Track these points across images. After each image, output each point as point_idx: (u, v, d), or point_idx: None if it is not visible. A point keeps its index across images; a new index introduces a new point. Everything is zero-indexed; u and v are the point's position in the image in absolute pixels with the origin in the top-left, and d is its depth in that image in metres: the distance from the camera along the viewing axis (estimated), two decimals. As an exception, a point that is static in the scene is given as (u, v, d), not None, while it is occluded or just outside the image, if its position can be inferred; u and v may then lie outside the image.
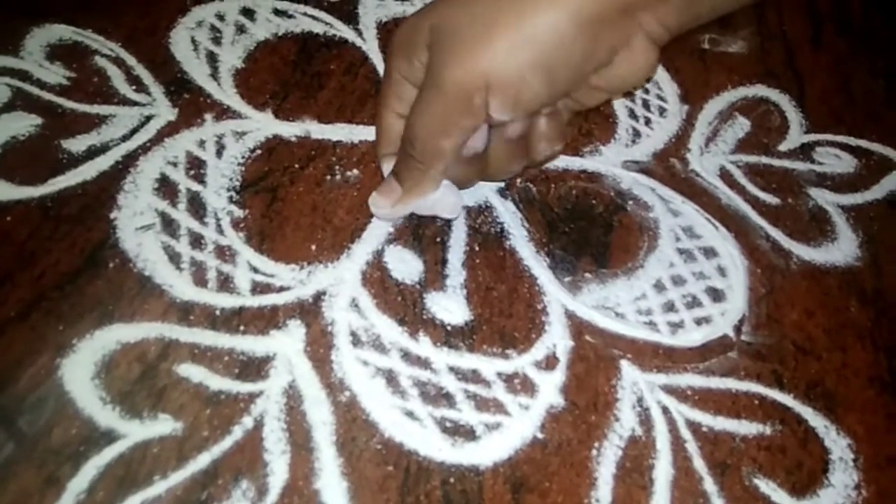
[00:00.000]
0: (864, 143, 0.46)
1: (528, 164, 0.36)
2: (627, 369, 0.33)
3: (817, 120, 0.47)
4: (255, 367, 0.31)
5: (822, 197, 0.42)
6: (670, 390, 0.33)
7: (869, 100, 0.49)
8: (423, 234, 0.37)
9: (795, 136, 0.46)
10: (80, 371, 0.29)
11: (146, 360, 0.30)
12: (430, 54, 0.31)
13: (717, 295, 0.37)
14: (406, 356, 0.32)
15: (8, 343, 0.30)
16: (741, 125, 0.45)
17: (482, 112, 0.30)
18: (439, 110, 0.31)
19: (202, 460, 0.28)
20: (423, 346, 0.33)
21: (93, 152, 0.36)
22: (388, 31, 0.46)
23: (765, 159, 0.44)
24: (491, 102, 0.30)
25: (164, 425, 0.29)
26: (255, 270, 0.34)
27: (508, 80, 0.29)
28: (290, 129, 0.39)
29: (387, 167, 0.35)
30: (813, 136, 0.46)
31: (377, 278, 0.35)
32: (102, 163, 0.36)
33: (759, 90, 0.48)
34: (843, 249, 0.40)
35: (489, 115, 0.30)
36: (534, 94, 0.30)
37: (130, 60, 0.40)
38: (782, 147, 0.45)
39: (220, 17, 0.44)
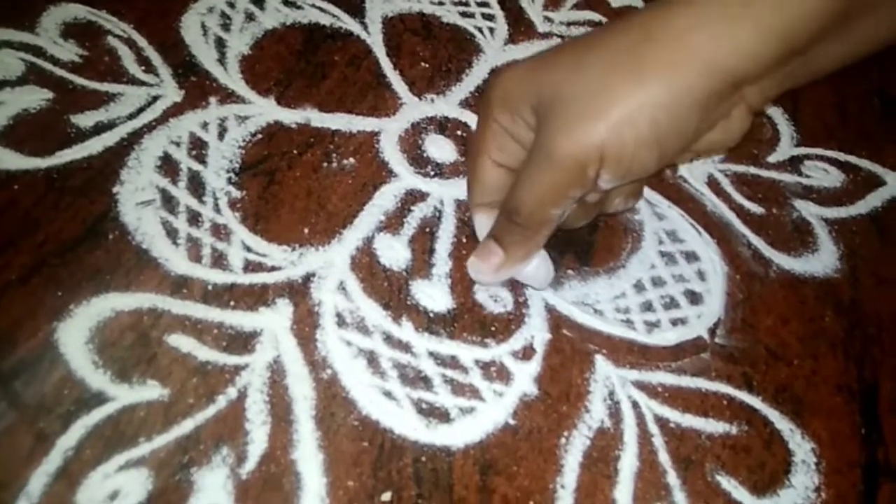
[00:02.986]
0: (853, 159, 0.47)
1: (599, 214, 0.37)
2: (601, 364, 0.35)
3: (809, 134, 0.48)
4: (242, 341, 0.32)
5: (807, 209, 0.43)
6: (641, 386, 0.34)
7: (862, 116, 0.50)
8: (412, 223, 0.38)
9: (785, 149, 0.47)
10: (75, 335, 0.31)
11: (139, 328, 0.31)
12: (540, 121, 0.31)
13: (694, 298, 0.38)
14: (388, 339, 0.33)
15: (7, 305, 0.31)
16: (732, 135, 0.46)
17: (593, 182, 0.30)
18: (550, 180, 0.30)
19: (186, 426, 0.29)
20: (405, 330, 0.34)
21: (100, 128, 0.38)
22: (392, 25, 0.47)
23: (753, 169, 0.45)
24: (602, 174, 0.30)
25: (151, 391, 0.30)
26: (249, 249, 0.35)
27: (623, 154, 0.29)
28: (291, 116, 0.41)
29: (479, 219, 0.35)
30: (803, 150, 0.47)
31: (365, 263, 0.36)
32: (108, 139, 0.37)
33: (754, 102, 0.49)
34: (823, 261, 0.41)
35: (597, 185, 0.31)
36: (644, 166, 0.30)
37: (141, 42, 0.42)
38: (771, 158, 0.46)
39: (231, 5, 0.45)
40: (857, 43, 0.31)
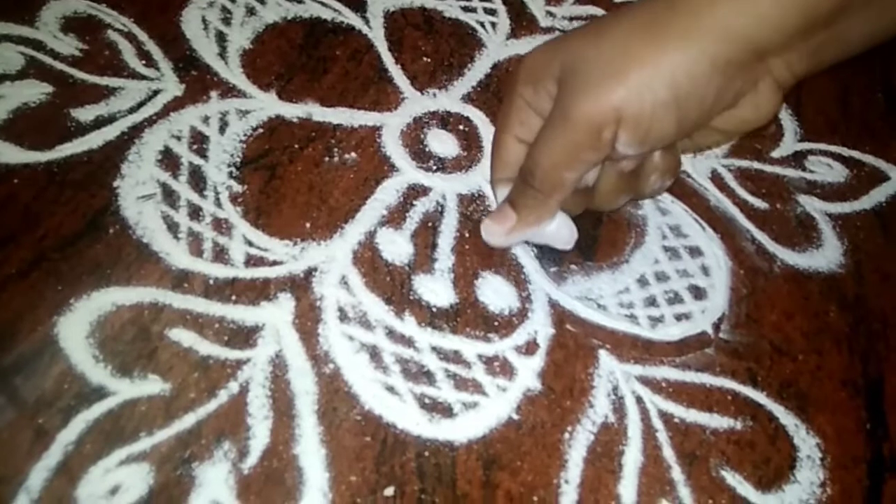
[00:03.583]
0: (856, 154, 0.47)
1: (635, 196, 0.36)
2: (605, 359, 0.34)
3: (813, 129, 0.48)
4: (243, 336, 0.32)
5: (811, 204, 0.43)
6: (646, 381, 0.34)
7: (866, 112, 0.50)
8: (414, 218, 0.38)
9: (789, 144, 0.46)
10: (75, 329, 0.30)
11: (139, 322, 0.31)
12: (560, 87, 0.31)
13: (698, 293, 0.38)
14: (391, 334, 0.33)
15: (8, 300, 0.31)
16: (736, 130, 0.46)
17: (609, 146, 0.30)
18: (566, 142, 0.30)
19: (187, 420, 0.29)
20: (407, 325, 0.34)
21: (100, 122, 0.37)
22: (394, 20, 0.47)
23: (757, 164, 0.45)
24: (620, 137, 0.30)
25: (152, 385, 0.30)
26: (250, 244, 0.35)
27: (640, 116, 0.29)
28: (293, 111, 0.41)
29: (500, 192, 0.36)
30: (807, 145, 0.46)
31: (368, 258, 0.36)
32: (109, 133, 0.37)
33: (757, 97, 0.48)
34: (827, 256, 0.41)
35: (615, 150, 0.31)
36: (663, 132, 0.30)
37: (142, 36, 0.42)
38: (775, 154, 0.45)
39: (232, -1, 0.45)
40: (886, 17, 0.30)
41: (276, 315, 0.33)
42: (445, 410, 0.31)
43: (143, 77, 0.40)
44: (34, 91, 0.38)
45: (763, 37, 0.29)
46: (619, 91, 0.29)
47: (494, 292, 0.36)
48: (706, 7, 0.29)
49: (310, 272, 0.34)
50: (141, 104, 0.39)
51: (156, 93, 0.39)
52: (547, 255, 0.38)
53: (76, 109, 0.38)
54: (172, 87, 0.40)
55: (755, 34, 0.29)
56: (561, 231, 0.35)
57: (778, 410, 0.34)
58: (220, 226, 0.35)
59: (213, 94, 0.40)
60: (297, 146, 0.39)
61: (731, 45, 0.28)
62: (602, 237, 0.39)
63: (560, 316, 0.35)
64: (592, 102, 0.29)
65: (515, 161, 0.34)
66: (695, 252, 0.39)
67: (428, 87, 0.44)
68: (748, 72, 0.30)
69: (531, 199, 0.33)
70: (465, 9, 0.49)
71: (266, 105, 0.40)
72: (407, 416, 0.31)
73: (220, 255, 0.34)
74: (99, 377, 0.29)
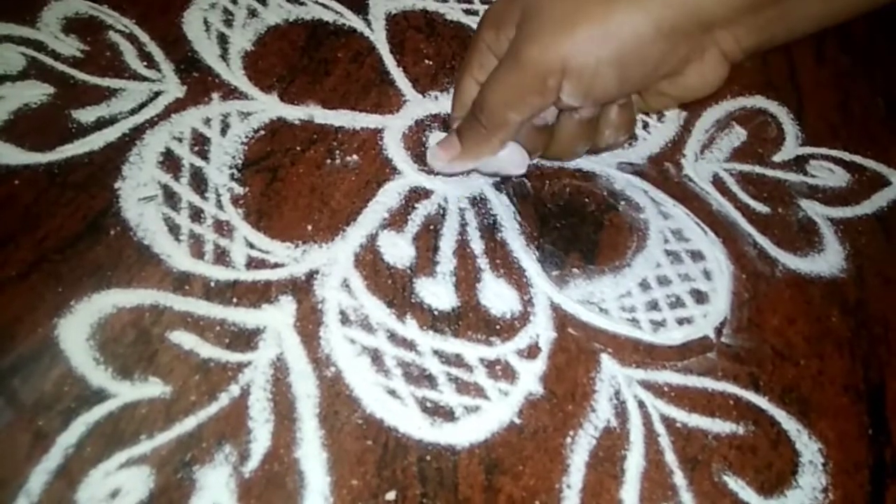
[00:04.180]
0: (858, 159, 0.47)
1: (592, 148, 0.37)
2: (607, 363, 0.34)
3: (814, 133, 0.48)
4: (245, 339, 0.32)
5: (813, 209, 0.43)
6: (648, 385, 0.34)
7: (867, 116, 0.50)
8: (416, 221, 0.38)
9: (791, 148, 0.46)
10: (75, 332, 0.30)
11: (140, 325, 0.31)
12: (517, 31, 0.32)
13: (700, 297, 0.37)
14: (392, 337, 0.33)
15: (7, 302, 0.31)
16: (738, 134, 0.46)
17: (553, 94, 0.32)
18: (513, 83, 0.32)
19: (188, 423, 0.29)
20: (409, 328, 0.34)
21: (101, 123, 0.37)
22: (396, 22, 0.47)
23: (758, 169, 0.45)
24: (564, 87, 0.31)
25: (153, 388, 0.29)
26: (252, 246, 0.35)
27: (583, 69, 0.31)
28: (295, 113, 0.40)
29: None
30: (808, 149, 0.46)
31: (369, 261, 0.35)
32: (110, 134, 0.37)
33: (759, 101, 0.48)
34: (829, 261, 0.41)
35: (559, 99, 0.32)
36: (604, 87, 0.32)
37: (143, 37, 0.42)
38: (777, 158, 0.45)
39: (234, 1, 0.45)
40: (833, 1, 0.32)
41: (278, 318, 0.33)
42: (447, 414, 0.31)
43: (145, 78, 0.40)
44: (35, 92, 0.38)
45: (709, 8, 0.30)
46: (566, 43, 0.30)
47: (496, 295, 0.36)
48: None
49: (311, 275, 0.34)
50: (142, 105, 0.38)
51: (157, 94, 0.39)
52: (549, 258, 0.37)
53: (77, 110, 0.37)
54: (174, 88, 0.40)
55: (701, 4, 0.30)
56: (512, 156, 0.36)
57: (780, 415, 0.34)
58: (222, 228, 0.35)
59: (215, 95, 0.40)
60: (298, 148, 0.39)
61: (677, 12, 0.30)
62: (604, 241, 0.39)
63: (562, 319, 0.35)
64: (541, 50, 0.31)
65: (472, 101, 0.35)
66: (697, 256, 0.39)
67: (430, 90, 0.44)
68: (693, 40, 0.31)
69: (476, 133, 0.35)
70: (467, 11, 0.49)
71: (267, 107, 0.40)
72: (408, 420, 0.31)
73: (222, 257, 0.34)
74: (99, 379, 0.29)
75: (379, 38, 0.46)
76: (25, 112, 0.37)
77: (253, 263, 0.34)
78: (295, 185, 0.37)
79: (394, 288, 0.35)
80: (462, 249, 0.37)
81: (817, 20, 0.32)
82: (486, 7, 0.36)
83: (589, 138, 0.36)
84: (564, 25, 0.31)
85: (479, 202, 0.39)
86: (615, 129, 0.36)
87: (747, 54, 0.32)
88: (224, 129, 0.39)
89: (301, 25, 0.45)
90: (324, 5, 0.47)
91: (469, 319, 0.34)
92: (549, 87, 0.31)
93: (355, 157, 0.39)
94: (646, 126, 0.45)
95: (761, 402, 0.34)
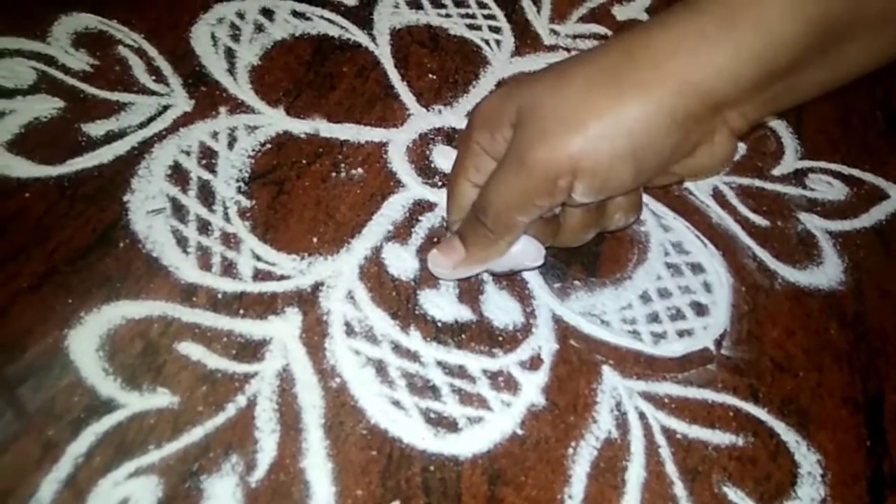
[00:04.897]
0: (856, 172, 0.47)
1: (600, 230, 0.36)
2: (608, 374, 0.35)
3: (813, 147, 0.48)
4: (251, 350, 0.32)
5: (812, 222, 0.44)
6: (648, 397, 0.34)
7: (866, 130, 0.50)
8: (420, 233, 0.38)
9: (790, 162, 0.47)
10: (85, 343, 0.31)
11: (149, 336, 0.32)
12: (516, 131, 0.31)
13: (700, 309, 0.38)
14: (396, 348, 0.34)
15: (19, 312, 0.31)
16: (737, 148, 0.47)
17: (564, 194, 0.30)
18: (520, 186, 0.30)
19: (195, 433, 0.29)
20: (413, 339, 0.34)
21: (111, 137, 0.38)
22: (400, 37, 0.48)
23: (758, 182, 0.45)
24: (576, 186, 0.30)
25: (161, 398, 0.30)
26: (258, 258, 0.35)
27: (598, 167, 0.29)
28: (300, 126, 0.41)
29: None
30: (807, 163, 0.47)
31: (374, 273, 0.36)
32: (119, 148, 0.38)
33: (758, 115, 0.49)
34: (827, 273, 0.41)
35: (571, 197, 0.31)
36: (620, 182, 0.30)
37: (152, 52, 0.42)
38: (776, 171, 0.46)
39: (241, 16, 0.46)
40: (840, 68, 0.31)
41: (284, 329, 0.33)
42: (450, 425, 0.32)
43: (153, 92, 0.40)
44: (46, 106, 0.38)
45: (720, 89, 0.29)
46: (576, 141, 0.29)
47: (499, 308, 0.36)
48: (665, 59, 0.29)
49: (317, 287, 0.35)
50: (151, 119, 0.39)
51: (165, 108, 0.40)
52: (551, 270, 0.38)
53: (87, 124, 0.38)
54: (182, 102, 0.40)
55: (712, 87, 0.28)
56: (527, 250, 0.34)
57: (779, 427, 0.34)
58: (229, 240, 0.35)
59: (222, 109, 0.41)
60: (304, 162, 0.40)
61: (690, 98, 0.28)
62: (605, 254, 0.40)
63: (564, 331, 0.36)
64: (549, 151, 0.29)
65: (470, 205, 0.34)
66: (697, 269, 0.40)
67: (433, 104, 0.45)
68: (705, 124, 0.30)
69: (482, 237, 0.33)
70: (471, 27, 0.50)
71: (274, 121, 0.41)
72: (412, 431, 0.31)
73: (229, 269, 0.34)
74: (108, 390, 0.30)
75: (383, 52, 0.47)
76: (36, 126, 0.37)
77: (259, 275, 0.35)
78: (301, 197, 0.38)
79: (398, 300, 0.35)
80: (465, 262, 0.37)
81: (822, 86, 0.32)
82: (473, 107, 0.34)
83: (596, 223, 0.35)
84: (571, 123, 0.29)
85: (481, 215, 0.40)
86: (624, 212, 0.35)
87: (753, 126, 0.32)
88: (231, 142, 0.39)
89: (307, 40, 0.46)
90: (329, 20, 0.47)
91: (472, 331, 0.35)
92: (560, 189, 0.30)
93: (360, 170, 0.40)
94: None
95: (761, 413, 0.35)
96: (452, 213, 0.35)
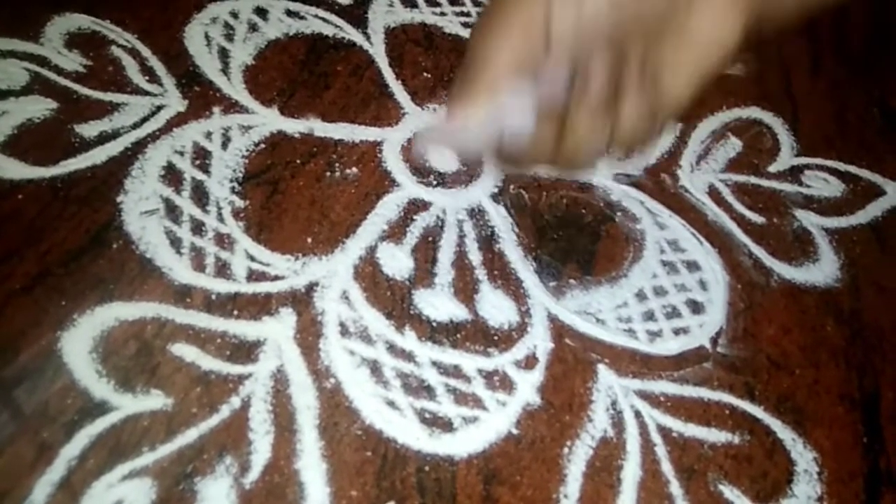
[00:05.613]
0: (853, 169, 0.47)
1: (614, 145, 0.32)
2: (604, 373, 0.35)
3: (809, 144, 0.48)
4: (245, 351, 0.32)
5: (808, 219, 0.44)
6: (644, 395, 0.34)
7: (862, 127, 0.50)
8: (415, 233, 0.38)
9: (786, 159, 0.47)
10: (79, 345, 0.31)
11: (142, 337, 0.31)
12: None
13: (696, 307, 0.38)
14: (391, 348, 0.33)
15: (11, 315, 0.31)
16: (733, 145, 0.46)
17: (541, 29, 0.29)
18: (497, 22, 0.29)
19: (189, 435, 0.29)
20: (408, 339, 0.34)
21: (104, 138, 0.38)
22: (395, 36, 0.48)
23: (753, 179, 0.45)
24: (552, 16, 0.28)
25: (155, 400, 0.30)
26: (252, 259, 0.35)
27: None
28: (295, 126, 0.41)
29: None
30: (803, 160, 0.47)
31: (369, 273, 0.36)
32: (112, 148, 0.37)
33: (754, 112, 0.49)
34: (823, 270, 0.41)
35: (549, 39, 0.29)
36: (596, 9, 0.28)
37: (145, 52, 0.42)
38: (772, 168, 0.46)
39: (234, 15, 0.45)
40: None
41: (278, 330, 0.33)
42: (445, 425, 0.32)
43: (147, 93, 0.40)
44: (38, 107, 0.38)
45: None
46: None
47: (494, 307, 0.36)
48: None
49: (311, 287, 0.35)
50: (144, 120, 0.39)
51: (159, 108, 0.40)
52: (546, 269, 0.38)
53: (80, 125, 0.38)
54: (175, 102, 0.40)
55: None
56: (514, 108, 0.30)
57: (775, 424, 0.34)
58: (223, 241, 0.35)
59: (216, 109, 0.40)
60: (298, 161, 0.39)
61: None
62: (600, 252, 0.40)
63: (559, 330, 0.36)
64: None
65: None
66: (693, 266, 0.40)
67: (428, 103, 0.44)
68: None
69: (471, 84, 0.30)
70: (466, 25, 0.50)
71: (268, 120, 0.41)
72: (407, 431, 0.31)
73: (223, 269, 0.34)
74: (102, 392, 0.30)
75: (378, 51, 0.46)
76: (29, 127, 0.37)
77: (253, 276, 0.34)
78: (295, 197, 0.38)
79: (393, 300, 0.35)
80: (460, 261, 0.37)
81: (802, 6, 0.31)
82: None
83: (605, 130, 0.31)
84: None
85: (476, 214, 0.40)
86: (634, 118, 0.31)
87: (756, 13, 0.30)
88: (225, 142, 0.39)
89: (301, 39, 0.46)
90: (323, 19, 0.47)
91: (467, 331, 0.35)
92: (536, 21, 0.28)
93: (355, 169, 0.40)
94: (642, 137, 0.46)
95: (757, 411, 0.35)
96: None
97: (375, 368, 0.33)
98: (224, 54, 0.43)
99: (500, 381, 0.33)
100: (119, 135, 0.38)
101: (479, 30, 0.30)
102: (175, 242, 0.35)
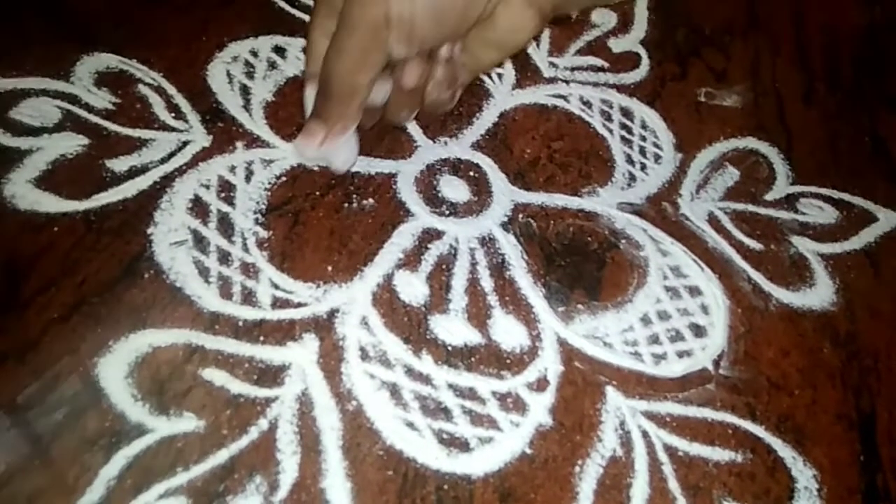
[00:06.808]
0: (846, 197, 0.49)
1: (421, 107, 0.41)
2: (612, 395, 0.36)
3: (804, 172, 0.50)
4: (271, 375, 0.34)
5: (804, 245, 0.45)
6: (651, 416, 0.36)
7: (854, 155, 0.52)
8: (429, 260, 0.40)
9: (781, 187, 0.49)
10: (114, 370, 0.32)
11: (174, 363, 0.33)
12: None
13: (699, 331, 0.40)
14: (409, 372, 0.35)
15: (50, 342, 0.33)
16: (731, 174, 0.49)
17: (386, 47, 0.35)
18: (353, 46, 0.35)
19: (221, 456, 0.31)
20: (425, 363, 0.36)
21: (133, 172, 0.40)
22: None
23: (751, 207, 0.47)
24: (390, 37, 0.35)
25: (188, 422, 0.31)
26: (276, 287, 0.37)
27: (403, 18, 0.34)
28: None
29: (309, 91, 0.39)
30: (798, 188, 0.49)
31: (386, 299, 0.38)
32: (142, 182, 0.39)
33: (750, 142, 0.51)
34: (820, 295, 0.43)
35: (391, 52, 0.35)
36: (425, 32, 0.36)
37: (171, 89, 0.44)
38: (768, 196, 0.48)
39: (254, 54, 0.48)
40: None
41: (302, 355, 0.35)
42: (462, 445, 0.33)
43: (173, 129, 0.42)
44: (71, 143, 0.40)
45: None
46: None
47: (506, 331, 0.38)
48: None
49: (332, 313, 0.36)
50: (171, 155, 0.41)
51: (185, 144, 0.42)
52: (555, 295, 0.40)
53: (111, 160, 0.40)
54: (200, 138, 0.42)
55: None
56: (344, 150, 0.40)
57: (776, 443, 0.36)
58: (248, 270, 0.37)
59: (239, 144, 0.42)
60: (318, 193, 0.41)
61: None
62: (606, 278, 0.41)
63: (568, 354, 0.37)
64: (367, 8, 0.34)
65: (322, 55, 0.38)
66: (694, 292, 0.41)
67: (439, 136, 0.46)
68: None
69: (335, 106, 0.38)
70: (473, 60, 0.52)
71: (289, 154, 0.43)
72: (426, 451, 0.33)
73: (249, 297, 0.36)
74: (138, 415, 0.31)
75: (391, 86, 0.48)
76: (62, 162, 0.39)
77: (278, 303, 0.36)
78: (315, 228, 0.40)
79: (410, 325, 0.37)
80: (473, 287, 0.39)
81: None
82: None
83: (417, 102, 0.40)
84: None
85: (487, 242, 0.41)
86: (438, 84, 0.40)
87: (552, 2, 0.38)
88: (248, 175, 0.41)
89: (317, 76, 0.48)
90: (338, 56, 0.49)
91: (481, 354, 0.37)
92: (383, 41, 0.35)
93: (371, 200, 0.42)
94: (644, 167, 0.48)
95: (758, 430, 0.36)
96: (309, 65, 0.40)
97: (395, 391, 0.34)
98: (245, 91, 0.45)
99: (513, 403, 0.35)
100: (148, 169, 0.40)
101: (338, 56, 0.36)
102: (203, 272, 0.36)
